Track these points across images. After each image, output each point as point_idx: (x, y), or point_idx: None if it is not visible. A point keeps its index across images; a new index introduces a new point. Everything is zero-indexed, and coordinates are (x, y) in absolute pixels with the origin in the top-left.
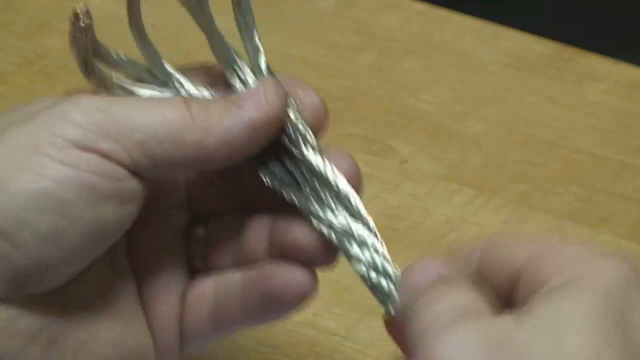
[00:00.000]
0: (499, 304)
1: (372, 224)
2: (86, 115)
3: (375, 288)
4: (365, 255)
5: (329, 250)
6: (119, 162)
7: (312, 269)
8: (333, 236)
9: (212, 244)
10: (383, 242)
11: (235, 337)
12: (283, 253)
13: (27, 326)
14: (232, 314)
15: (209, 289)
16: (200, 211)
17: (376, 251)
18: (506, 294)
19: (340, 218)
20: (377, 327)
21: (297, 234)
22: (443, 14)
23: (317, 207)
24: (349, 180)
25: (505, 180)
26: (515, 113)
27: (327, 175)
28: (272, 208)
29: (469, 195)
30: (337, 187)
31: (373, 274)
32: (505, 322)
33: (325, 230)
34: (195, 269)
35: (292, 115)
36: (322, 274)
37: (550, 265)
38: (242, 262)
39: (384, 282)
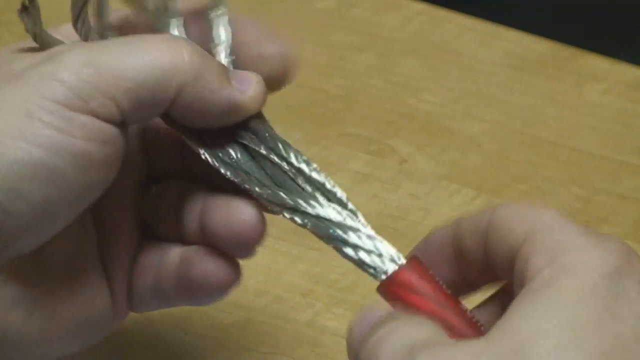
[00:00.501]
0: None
1: (350, 204)
2: (74, 72)
3: (366, 266)
4: (351, 237)
5: (249, 243)
6: (110, 119)
7: (235, 260)
8: (309, 225)
9: (159, 207)
10: (363, 220)
11: (235, 337)
12: (209, 238)
13: (10, 292)
14: (168, 291)
15: (153, 260)
16: (157, 171)
17: (358, 230)
18: (508, 268)
19: (315, 205)
20: None
21: (220, 221)
22: (443, 14)
23: (284, 196)
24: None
25: (505, 180)
26: (516, 113)
27: (294, 163)
28: (209, 184)
29: (469, 195)
30: (308, 174)
31: (363, 254)
32: (471, 348)
33: (299, 220)
34: (148, 230)
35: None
36: (322, 274)
37: (540, 254)
38: (182, 235)
39: (376, 259)
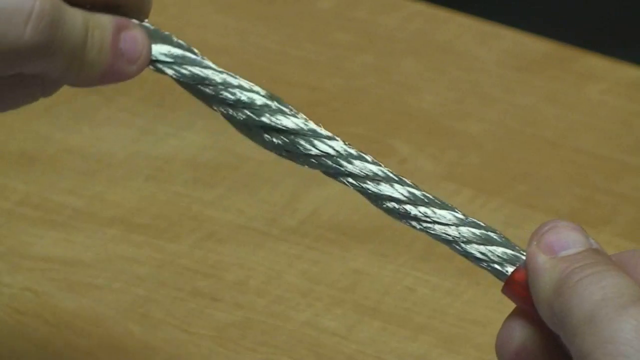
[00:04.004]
0: None
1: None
2: None
3: (483, 262)
4: (466, 249)
5: None
6: None
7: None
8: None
9: None
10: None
11: (235, 337)
12: None
13: None
14: None
15: None
16: None
17: (468, 242)
18: None
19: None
20: (377, 327)
21: None
22: (443, 14)
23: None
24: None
25: (505, 180)
26: (516, 113)
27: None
28: None
29: (469, 196)
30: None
31: (482, 264)
32: None
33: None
34: None
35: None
36: (321, 274)
37: None
38: None
39: (495, 265)
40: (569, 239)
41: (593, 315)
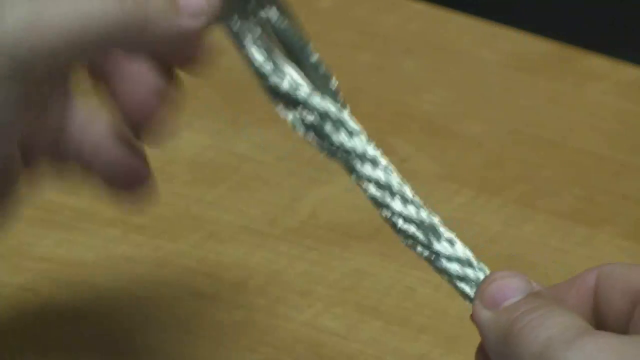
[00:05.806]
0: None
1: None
2: None
3: (458, 284)
4: (448, 249)
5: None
6: None
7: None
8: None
9: None
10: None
11: (235, 337)
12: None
13: None
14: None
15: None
16: None
17: (452, 242)
18: (625, 320)
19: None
20: (378, 327)
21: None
22: (443, 14)
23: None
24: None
25: (505, 181)
26: (515, 113)
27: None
28: None
29: (469, 196)
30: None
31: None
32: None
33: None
34: None
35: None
36: (322, 274)
37: None
38: None
39: (466, 288)
40: (508, 289)
41: (542, 355)
